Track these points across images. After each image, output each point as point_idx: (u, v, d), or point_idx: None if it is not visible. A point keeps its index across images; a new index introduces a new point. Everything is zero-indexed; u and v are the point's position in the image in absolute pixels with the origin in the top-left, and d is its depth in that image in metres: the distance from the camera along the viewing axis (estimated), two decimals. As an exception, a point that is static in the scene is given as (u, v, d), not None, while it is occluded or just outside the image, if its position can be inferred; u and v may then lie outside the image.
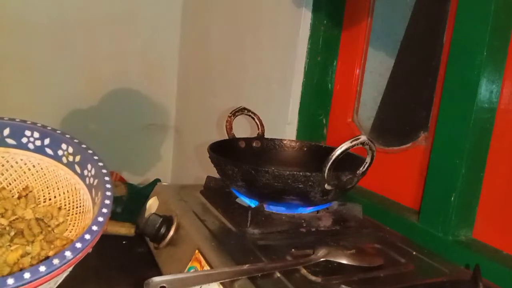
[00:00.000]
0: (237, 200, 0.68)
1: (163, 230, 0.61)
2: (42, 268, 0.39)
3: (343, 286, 0.44)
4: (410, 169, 0.74)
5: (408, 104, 0.81)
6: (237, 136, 0.78)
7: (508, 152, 0.59)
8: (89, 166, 0.57)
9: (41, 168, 0.61)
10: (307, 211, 0.65)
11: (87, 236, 0.44)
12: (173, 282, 0.41)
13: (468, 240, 0.62)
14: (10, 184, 0.62)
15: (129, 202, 1.07)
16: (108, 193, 0.50)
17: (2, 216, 0.57)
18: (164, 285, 0.40)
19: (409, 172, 0.74)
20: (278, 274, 0.47)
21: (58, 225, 0.58)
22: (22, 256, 0.51)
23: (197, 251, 0.53)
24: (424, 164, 0.69)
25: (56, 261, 0.40)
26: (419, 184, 0.71)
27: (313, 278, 0.47)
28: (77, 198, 0.59)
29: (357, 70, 0.89)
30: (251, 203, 0.65)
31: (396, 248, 0.58)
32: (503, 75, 0.59)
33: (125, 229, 0.77)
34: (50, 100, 1.42)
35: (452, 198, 0.61)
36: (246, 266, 0.46)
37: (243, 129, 0.99)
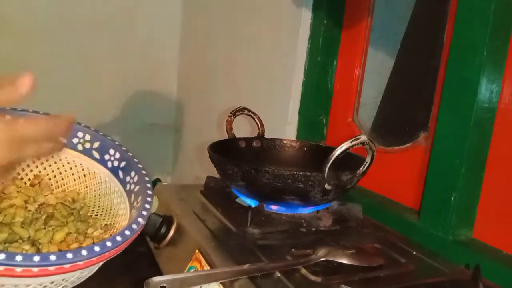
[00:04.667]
0: (237, 200, 0.68)
1: (163, 230, 0.61)
2: (109, 244, 0.42)
3: (343, 286, 0.44)
4: (410, 169, 0.74)
5: (408, 104, 0.81)
6: (237, 136, 0.78)
7: (508, 152, 0.59)
8: (111, 151, 0.58)
9: (51, 157, 0.62)
10: (307, 211, 0.65)
11: (145, 211, 0.48)
12: (173, 282, 0.41)
13: (468, 240, 0.62)
14: (19, 173, 0.62)
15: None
16: (144, 171, 0.54)
17: (27, 203, 0.58)
18: (164, 285, 0.40)
19: (409, 172, 0.74)
20: (278, 274, 0.47)
21: (82, 207, 0.60)
22: (66, 234, 0.53)
23: (197, 251, 0.53)
24: (424, 164, 0.69)
25: (119, 238, 0.43)
26: (419, 184, 0.71)
27: (313, 278, 0.47)
28: (95, 182, 0.61)
29: (357, 70, 0.89)
30: (251, 203, 0.65)
31: (396, 248, 0.58)
32: (503, 75, 0.59)
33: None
34: (49, 100, 1.41)
35: (452, 198, 0.61)
36: (246, 266, 0.46)
37: (243, 129, 0.99)
